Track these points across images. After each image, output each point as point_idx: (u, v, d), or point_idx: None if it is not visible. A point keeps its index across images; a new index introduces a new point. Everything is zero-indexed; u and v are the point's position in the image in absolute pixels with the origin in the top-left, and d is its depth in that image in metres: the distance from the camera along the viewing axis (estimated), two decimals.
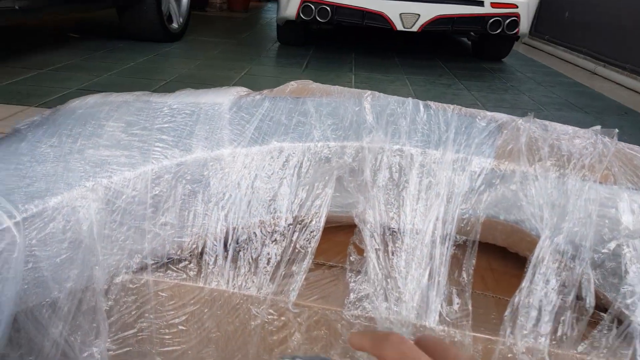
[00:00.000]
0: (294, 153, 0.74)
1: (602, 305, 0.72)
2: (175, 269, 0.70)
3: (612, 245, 0.67)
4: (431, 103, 0.80)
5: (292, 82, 0.82)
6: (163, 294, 0.70)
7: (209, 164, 0.70)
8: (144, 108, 0.72)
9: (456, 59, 4.44)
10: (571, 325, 0.67)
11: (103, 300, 0.66)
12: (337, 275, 0.77)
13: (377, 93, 0.82)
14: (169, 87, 2.69)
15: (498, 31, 3.70)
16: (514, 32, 3.71)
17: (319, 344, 0.71)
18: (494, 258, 0.83)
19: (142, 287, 0.70)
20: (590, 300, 0.66)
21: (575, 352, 0.64)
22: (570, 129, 0.76)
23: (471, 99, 3.08)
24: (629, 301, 0.66)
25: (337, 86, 0.84)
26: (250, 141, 0.72)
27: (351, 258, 0.72)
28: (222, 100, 0.75)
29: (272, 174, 0.74)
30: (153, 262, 0.71)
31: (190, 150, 0.69)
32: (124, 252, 0.68)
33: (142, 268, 0.70)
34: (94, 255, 0.64)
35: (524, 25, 3.71)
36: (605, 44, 4.40)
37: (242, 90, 0.80)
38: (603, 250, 0.68)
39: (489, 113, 0.77)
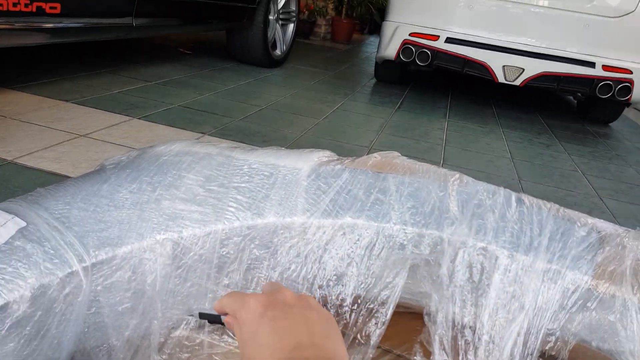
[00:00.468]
0: (367, 232, 0.70)
1: None
2: (231, 334, 0.69)
3: None
4: (525, 197, 0.73)
5: (376, 154, 0.79)
6: (216, 358, 0.69)
7: (279, 231, 0.69)
8: (224, 164, 0.73)
9: (558, 117, 4.19)
10: None
11: (156, 355, 0.65)
12: None
13: (465, 177, 0.77)
14: (263, 114, 2.78)
15: (608, 95, 3.44)
16: (626, 98, 3.43)
17: None
18: None
19: (197, 346, 0.69)
20: None
21: None
22: None
23: (570, 165, 2.87)
24: None
25: (423, 163, 0.79)
26: (324, 213, 0.70)
27: (416, 358, 0.67)
28: (302, 165, 0.74)
29: (341, 250, 0.71)
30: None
31: (262, 214, 0.68)
32: (184, 307, 0.68)
33: (200, 327, 0.70)
34: (154, 308, 0.64)
35: (638, 92, 3.42)
36: None
37: (324, 156, 0.78)
38: None
39: (590, 219, 0.69)
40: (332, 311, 0.72)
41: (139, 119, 2.34)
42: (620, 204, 2.41)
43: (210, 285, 0.69)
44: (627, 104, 3.66)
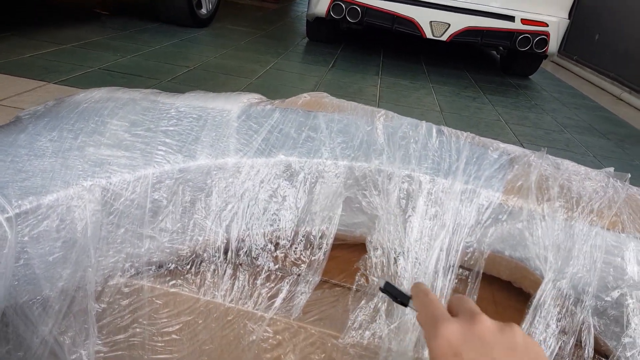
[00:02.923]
0: (300, 168, 0.72)
1: (602, 352, 0.69)
2: (171, 276, 0.70)
3: (616, 294, 0.65)
4: (444, 128, 0.78)
5: (305, 94, 0.81)
6: (158, 301, 0.70)
7: (212, 172, 0.69)
8: (150, 108, 0.72)
9: (484, 72, 4.37)
10: None
11: (94, 303, 0.65)
12: (337, 296, 0.76)
13: (390, 113, 0.80)
14: (192, 75, 2.69)
15: (526, 48, 3.63)
16: (543, 50, 3.64)
17: None
18: (499, 290, 0.81)
19: (136, 292, 0.69)
20: (589, 351, 0.64)
21: None
22: (582, 169, 0.73)
23: (494, 115, 3.03)
24: (629, 353, 0.64)
25: (351, 102, 0.82)
26: (257, 152, 0.71)
27: (358, 283, 0.71)
28: (232, 107, 0.74)
29: (277, 187, 0.73)
30: (149, 267, 0.70)
31: (194, 156, 0.68)
32: (120, 255, 0.68)
33: (138, 273, 0.70)
34: (87, 256, 0.64)
35: (553, 45, 3.64)
36: (633, 70, 4.30)
37: (253, 98, 0.79)
38: (606, 298, 0.66)
39: (502, 144, 0.75)
40: (272, 247, 0.74)
41: (55, 83, 2.19)
42: (538, 148, 2.60)
43: (146, 231, 0.69)
44: (544, 56, 3.88)
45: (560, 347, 0.64)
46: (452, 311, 0.46)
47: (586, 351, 0.64)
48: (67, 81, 2.25)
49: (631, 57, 4.40)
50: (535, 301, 0.65)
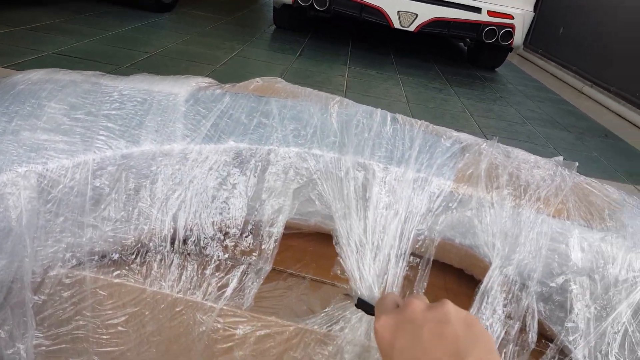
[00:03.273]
0: (251, 155, 0.71)
1: (548, 337, 0.71)
2: (116, 267, 0.67)
3: (560, 280, 0.66)
4: (399, 116, 0.78)
5: (258, 79, 0.79)
6: (102, 292, 0.67)
7: (157, 158, 0.67)
8: (91, 91, 0.68)
9: (451, 64, 4.42)
10: (513, 357, 0.66)
11: (32, 295, 0.62)
12: (292, 285, 0.75)
13: (346, 100, 0.79)
14: (153, 61, 2.62)
15: (492, 40, 3.69)
16: (508, 42, 3.71)
17: (268, 357, 0.69)
18: (451, 278, 0.81)
19: (79, 283, 0.66)
20: (532, 336, 0.65)
21: None
22: (532, 157, 0.74)
23: (460, 107, 3.07)
24: (571, 337, 0.66)
25: (305, 88, 0.80)
26: (205, 138, 0.69)
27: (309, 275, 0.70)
28: (179, 90, 0.72)
29: (226, 175, 0.71)
30: (92, 257, 0.68)
31: (138, 142, 0.66)
32: (60, 244, 0.65)
33: (80, 263, 0.67)
34: (24, 246, 0.61)
35: (518, 37, 3.71)
36: (594, 64, 4.43)
37: (202, 82, 0.76)
38: (551, 284, 0.67)
39: (455, 133, 0.75)
40: (221, 236, 0.73)
41: (5, 67, 2.08)
42: (501, 140, 2.64)
43: (87, 219, 0.66)
44: (510, 48, 3.95)
45: (506, 332, 0.65)
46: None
47: (530, 336, 0.65)
48: (19, 65, 2.15)
49: (593, 51, 4.53)
50: (482, 287, 0.65)
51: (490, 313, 0.66)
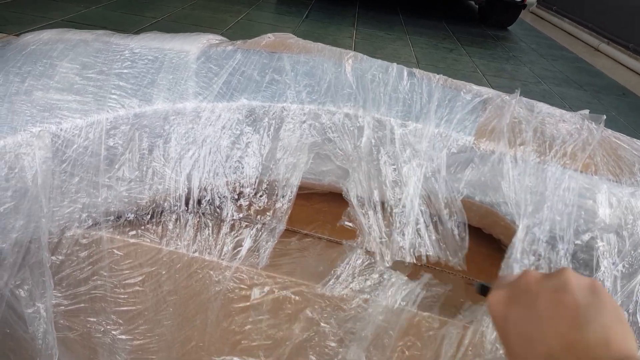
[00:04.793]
0: (264, 113, 0.69)
1: None
2: (131, 227, 0.67)
3: (586, 237, 0.65)
4: (416, 71, 0.75)
5: (269, 35, 0.76)
6: (118, 252, 0.67)
7: (170, 117, 0.65)
8: (102, 49, 0.66)
9: (461, 23, 4.30)
10: None
11: (49, 255, 0.62)
12: (308, 246, 0.74)
13: (360, 55, 0.76)
14: (159, 26, 2.57)
15: None
16: (522, 0, 3.58)
17: (283, 317, 0.69)
18: (471, 238, 0.80)
19: (95, 243, 0.66)
20: None
21: None
22: (557, 111, 0.71)
23: (472, 66, 3.00)
24: None
25: (317, 43, 0.77)
26: (218, 96, 0.67)
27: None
28: (190, 48, 0.69)
29: (239, 133, 0.69)
30: (107, 218, 0.67)
31: (150, 101, 0.64)
32: (76, 205, 0.65)
33: (96, 223, 0.67)
34: (40, 206, 0.60)
35: None
36: (611, 21, 4.28)
37: (213, 39, 0.73)
38: (577, 242, 0.66)
39: (475, 87, 0.73)
40: (235, 196, 0.72)
41: (16, 35, 2.06)
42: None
43: (102, 180, 0.65)
44: (523, 6, 3.83)
45: None
46: None
47: None
48: (28, 34, 2.12)
49: (610, 6, 4.37)
50: (513, 250, 0.63)
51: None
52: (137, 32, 2.28)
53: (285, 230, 0.72)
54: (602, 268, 0.63)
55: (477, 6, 4.92)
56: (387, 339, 0.65)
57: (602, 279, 0.63)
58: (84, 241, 0.66)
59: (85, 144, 0.62)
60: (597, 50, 4.24)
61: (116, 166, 0.65)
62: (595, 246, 0.64)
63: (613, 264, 0.62)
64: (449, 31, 3.87)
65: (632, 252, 0.60)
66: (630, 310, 0.62)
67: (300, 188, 0.73)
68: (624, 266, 0.61)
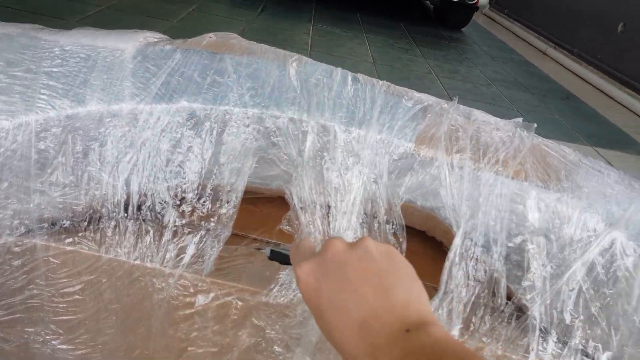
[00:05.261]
0: (206, 116, 0.68)
1: (507, 296, 0.73)
2: (67, 234, 0.64)
3: (518, 240, 0.68)
4: (360, 76, 0.75)
5: (211, 34, 0.74)
6: (55, 260, 0.65)
7: (105, 119, 0.63)
8: (30, 46, 0.63)
9: (418, 23, 4.38)
10: (482, 319, 0.67)
11: None
12: (253, 251, 0.74)
13: (304, 58, 0.76)
14: (104, 15, 2.47)
15: None
16: (474, 2, 3.69)
17: (229, 323, 0.68)
18: (416, 241, 0.81)
19: (29, 251, 0.63)
20: (502, 297, 0.66)
21: (481, 343, 0.65)
22: (492, 119, 0.74)
23: (426, 67, 3.06)
24: (528, 296, 0.67)
25: (262, 44, 0.77)
26: (156, 98, 0.66)
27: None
28: (125, 46, 0.67)
29: (180, 137, 0.68)
30: (41, 225, 0.64)
31: (83, 101, 0.62)
32: (6, 211, 0.61)
33: (29, 231, 0.64)
34: None
35: None
36: (558, 26, 4.47)
37: (150, 37, 0.71)
38: (509, 245, 0.68)
39: (416, 94, 0.74)
40: (177, 201, 0.70)
41: None
42: (466, 102, 2.66)
43: (34, 185, 0.62)
44: (476, 7, 3.93)
45: (476, 296, 0.66)
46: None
47: (499, 299, 0.66)
48: None
49: (557, 12, 4.56)
50: (451, 254, 0.65)
51: (462, 277, 0.66)
52: (80, 21, 2.18)
53: (233, 235, 0.71)
54: (532, 269, 0.66)
55: (432, 7, 5.03)
56: None
57: (532, 280, 0.66)
58: (17, 249, 0.63)
59: (13, 147, 0.59)
60: (545, 54, 4.42)
61: (48, 170, 0.62)
62: (526, 248, 0.67)
63: (542, 265, 0.65)
64: (405, 31, 3.93)
65: (559, 254, 0.63)
66: (558, 309, 0.65)
67: (247, 193, 0.72)
68: (551, 267, 0.64)
